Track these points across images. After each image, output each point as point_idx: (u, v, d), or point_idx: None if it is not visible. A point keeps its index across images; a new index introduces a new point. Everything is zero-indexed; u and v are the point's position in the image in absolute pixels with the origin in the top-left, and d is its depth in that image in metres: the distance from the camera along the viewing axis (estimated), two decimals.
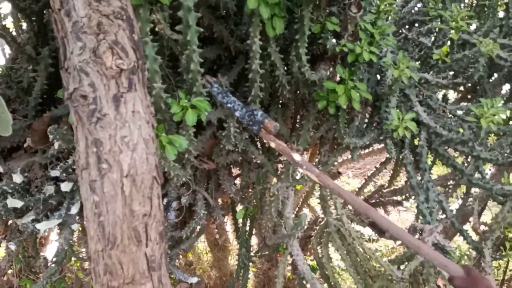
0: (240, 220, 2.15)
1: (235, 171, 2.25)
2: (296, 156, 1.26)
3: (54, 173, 1.41)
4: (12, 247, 1.87)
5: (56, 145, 1.44)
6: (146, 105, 0.71)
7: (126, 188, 0.67)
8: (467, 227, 2.13)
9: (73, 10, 0.64)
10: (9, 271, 2.75)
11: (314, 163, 2.31)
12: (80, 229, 1.86)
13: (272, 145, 1.31)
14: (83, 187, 0.69)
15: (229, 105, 1.31)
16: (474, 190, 2.21)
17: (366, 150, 2.40)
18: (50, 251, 2.82)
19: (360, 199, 1.21)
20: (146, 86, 0.72)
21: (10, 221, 2.10)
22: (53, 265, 1.88)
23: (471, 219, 2.37)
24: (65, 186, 1.48)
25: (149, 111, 0.72)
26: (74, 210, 1.51)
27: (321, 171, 1.27)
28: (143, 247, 0.70)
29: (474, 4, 2.19)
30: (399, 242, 2.49)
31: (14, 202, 1.41)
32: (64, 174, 1.43)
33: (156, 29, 1.00)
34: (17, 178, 1.46)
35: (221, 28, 1.30)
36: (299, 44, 1.25)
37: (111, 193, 0.67)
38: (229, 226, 2.80)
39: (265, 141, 1.34)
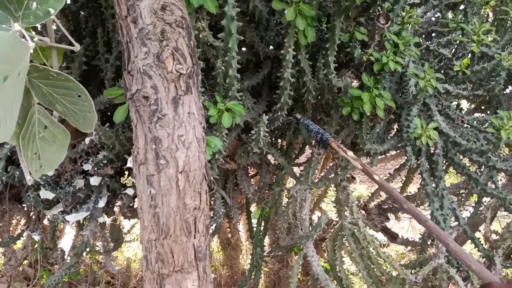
0: (254, 220, 2.21)
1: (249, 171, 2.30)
2: (376, 177, 1.34)
3: (86, 166, 1.46)
4: (36, 237, 1.92)
5: (87, 140, 1.50)
6: (199, 107, 0.77)
7: (180, 183, 0.73)
8: (478, 235, 2.18)
9: (140, 17, 0.70)
10: (25, 262, 2.82)
11: (328, 167, 2.36)
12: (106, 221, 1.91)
13: (359, 167, 1.38)
14: (140, 180, 0.74)
15: (315, 130, 1.51)
16: (485, 199, 2.25)
17: (379, 157, 2.45)
18: (64, 244, 2.88)
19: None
20: (198, 90, 0.78)
21: (32, 213, 2.17)
22: (72, 256, 1.94)
23: (481, 227, 2.41)
24: (94, 180, 1.54)
25: (201, 113, 0.78)
26: (101, 203, 1.57)
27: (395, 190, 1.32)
28: (192, 238, 0.76)
29: (491, 18, 2.24)
30: (409, 248, 2.53)
31: (46, 194, 1.47)
32: (95, 169, 1.49)
33: (200, 36, 1.06)
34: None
35: (253, 35, 1.36)
36: (329, 52, 1.31)
37: (167, 187, 0.72)
38: (240, 226, 2.85)
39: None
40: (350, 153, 1.35)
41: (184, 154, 0.73)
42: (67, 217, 1.51)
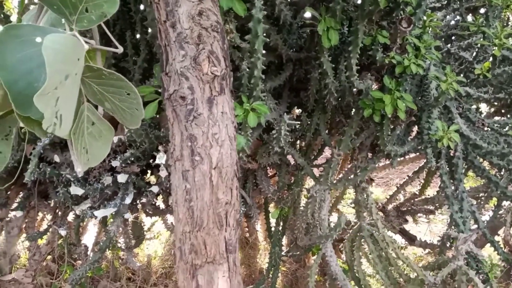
0: (273, 220, 2.24)
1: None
2: None
3: (115, 163, 1.52)
4: (62, 232, 1.99)
5: (115, 138, 1.56)
6: (231, 107, 0.81)
7: (214, 179, 0.77)
8: (497, 238, 2.17)
9: (178, 22, 0.74)
10: (48, 257, 2.90)
11: (346, 169, 2.38)
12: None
13: None
14: (176, 175, 0.79)
15: None
16: (505, 203, 2.24)
17: (398, 159, 2.46)
18: (87, 240, 2.95)
19: None
20: (231, 91, 0.82)
21: (58, 209, 2.24)
22: (96, 251, 2.00)
23: (500, 231, 2.40)
24: (121, 178, 1.59)
25: (233, 112, 0.81)
26: (128, 200, 1.62)
27: None
28: (224, 231, 0.79)
29: (511, 21, 2.24)
30: (427, 250, 2.53)
31: (76, 190, 1.53)
32: (123, 165, 1.55)
33: (228, 37, 1.10)
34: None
35: (277, 37, 1.40)
36: (351, 55, 1.34)
37: (201, 182, 0.76)
38: (258, 226, 2.89)
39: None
40: None
41: (218, 151, 0.77)
42: (95, 213, 1.56)
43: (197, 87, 0.75)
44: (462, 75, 1.74)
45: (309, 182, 2.97)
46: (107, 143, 0.66)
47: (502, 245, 1.98)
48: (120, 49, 0.68)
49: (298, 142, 2.08)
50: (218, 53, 0.77)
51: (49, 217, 2.27)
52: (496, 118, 2.25)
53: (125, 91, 0.59)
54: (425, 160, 1.92)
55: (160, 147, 1.37)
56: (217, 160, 0.77)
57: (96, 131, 0.62)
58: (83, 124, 0.60)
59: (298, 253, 2.30)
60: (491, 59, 1.66)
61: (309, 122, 1.72)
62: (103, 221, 2.08)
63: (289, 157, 1.94)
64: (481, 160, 1.76)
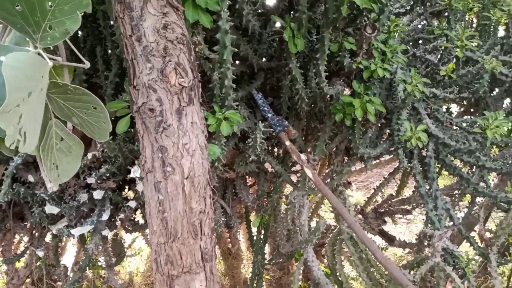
0: (254, 229, 2.25)
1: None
2: (303, 156, 1.47)
3: (90, 180, 1.50)
4: (40, 253, 1.95)
5: (89, 155, 1.55)
6: (201, 117, 0.82)
7: (186, 188, 0.78)
8: (473, 234, 2.23)
9: (144, 36, 0.76)
10: (27, 280, 2.82)
11: (324, 173, 2.42)
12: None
13: (287, 143, 1.53)
14: (148, 187, 0.79)
15: (265, 108, 1.56)
16: (479, 200, 2.31)
17: (374, 162, 2.51)
18: (66, 260, 2.90)
19: (341, 205, 1.38)
20: (202, 101, 0.84)
21: (35, 230, 2.19)
22: (76, 271, 1.97)
23: (476, 227, 2.47)
24: (98, 194, 1.58)
25: (203, 122, 0.83)
26: (105, 216, 1.61)
27: (315, 173, 1.44)
28: (199, 240, 0.80)
29: (475, 23, 2.32)
30: (407, 250, 2.57)
31: (51, 209, 1.51)
32: (98, 182, 1.53)
33: (196, 49, 1.11)
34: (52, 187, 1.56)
35: (247, 48, 1.42)
36: (319, 62, 1.37)
37: (174, 193, 0.77)
38: (240, 236, 2.88)
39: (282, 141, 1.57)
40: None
41: (189, 161, 0.78)
42: (72, 231, 1.54)
43: (166, 98, 0.76)
44: (429, 77, 1.80)
45: (288, 189, 3.00)
46: (77, 158, 0.66)
47: (478, 241, 2.03)
48: (87, 65, 0.69)
49: (275, 149, 2.11)
50: (185, 65, 0.78)
51: (26, 238, 2.22)
52: (465, 117, 2.33)
53: (91, 106, 0.60)
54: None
55: (136, 161, 1.37)
56: (189, 170, 0.78)
57: (65, 147, 0.63)
58: (52, 140, 0.60)
59: (281, 260, 2.31)
60: (455, 60, 1.72)
61: None
62: (82, 240, 2.05)
63: (267, 164, 1.96)
64: (452, 158, 1.82)
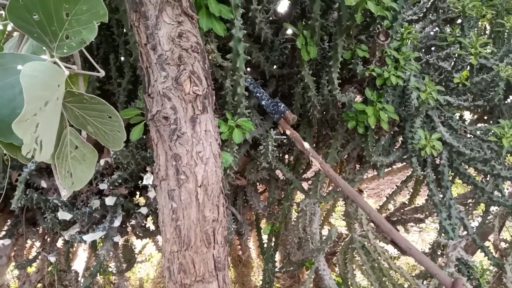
0: (265, 236, 2.23)
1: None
2: (306, 145, 1.39)
3: (102, 186, 1.51)
4: (52, 259, 1.96)
5: (102, 161, 1.56)
6: (214, 125, 0.82)
7: (200, 197, 0.77)
8: (487, 243, 2.19)
9: (159, 45, 0.76)
10: (39, 285, 2.84)
11: None
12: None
13: (288, 132, 1.45)
14: (162, 195, 0.79)
15: (258, 94, 1.47)
16: (493, 209, 2.27)
17: (385, 170, 2.48)
18: (77, 266, 2.91)
19: (357, 194, 1.33)
20: (214, 109, 0.83)
21: (47, 235, 2.21)
22: (87, 277, 1.97)
23: (490, 237, 2.42)
24: (109, 200, 1.58)
25: (217, 130, 0.83)
26: (117, 223, 1.61)
27: (323, 161, 1.40)
28: (212, 249, 0.80)
29: (489, 30, 2.30)
30: None
31: (64, 215, 1.52)
32: (110, 188, 1.54)
33: (210, 57, 1.12)
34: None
35: (259, 55, 1.42)
36: (332, 69, 1.36)
37: (188, 201, 0.77)
38: (251, 243, 2.87)
39: (281, 129, 1.49)
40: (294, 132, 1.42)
41: (203, 169, 0.77)
42: (84, 237, 1.55)
43: (180, 106, 0.76)
44: (442, 84, 1.78)
45: (300, 196, 2.98)
46: (91, 166, 0.66)
47: (492, 250, 2.00)
48: (102, 73, 0.69)
49: (286, 156, 2.10)
50: (199, 73, 0.78)
51: (38, 244, 2.24)
52: (479, 125, 2.30)
53: (106, 115, 0.60)
54: (412, 169, 1.94)
55: (147, 168, 1.37)
56: (203, 178, 0.78)
57: (79, 155, 0.63)
58: (66, 148, 0.61)
59: (291, 268, 2.29)
60: (468, 68, 1.70)
61: None
62: (93, 246, 2.06)
63: (278, 172, 1.95)
64: (466, 167, 1.79)
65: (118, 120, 0.60)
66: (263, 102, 1.46)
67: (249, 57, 1.17)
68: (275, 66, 1.64)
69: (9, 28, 0.90)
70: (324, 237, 1.89)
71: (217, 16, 1.04)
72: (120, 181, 1.53)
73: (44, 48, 0.57)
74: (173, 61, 0.76)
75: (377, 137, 1.60)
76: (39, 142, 0.49)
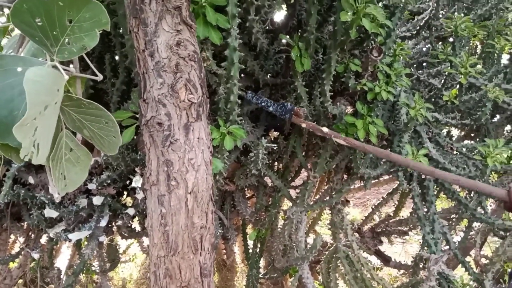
0: (250, 242, 2.25)
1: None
2: (325, 129, 1.38)
3: (91, 185, 1.51)
4: (35, 255, 1.95)
5: (92, 161, 1.55)
6: (207, 133, 0.83)
7: (189, 203, 0.79)
8: (468, 259, 2.23)
9: (157, 52, 0.77)
10: (20, 281, 2.81)
11: (323, 190, 2.42)
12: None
13: (303, 125, 1.45)
14: (151, 200, 0.80)
15: (263, 103, 1.48)
16: (475, 225, 2.31)
17: (372, 181, 2.52)
18: (60, 263, 2.88)
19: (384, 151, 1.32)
20: (207, 117, 0.85)
21: (31, 232, 2.19)
22: (70, 275, 1.96)
23: (471, 252, 2.47)
24: (97, 200, 1.58)
25: (209, 138, 0.84)
26: (103, 223, 1.61)
27: (346, 137, 1.40)
28: (198, 255, 0.81)
29: (479, 49, 2.35)
30: (402, 271, 2.57)
31: (50, 212, 1.51)
32: (99, 188, 1.54)
33: (205, 64, 1.13)
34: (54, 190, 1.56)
35: (254, 64, 1.44)
36: (325, 82, 1.39)
37: (177, 207, 0.78)
38: (236, 248, 2.88)
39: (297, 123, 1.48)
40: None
41: (194, 176, 0.79)
42: (70, 236, 1.54)
43: (174, 113, 0.78)
44: (431, 101, 1.82)
45: (287, 203, 3.00)
46: (85, 168, 0.67)
47: (473, 266, 2.03)
48: (100, 77, 0.70)
49: (275, 164, 2.12)
50: (195, 81, 0.80)
51: (21, 239, 2.22)
52: (466, 141, 2.35)
53: (103, 120, 0.61)
54: (398, 182, 1.97)
55: (137, 169, 1.38)
56: (193, 185, 0.79)
57: (74, 157, 0.64)
58: (61, 150, 0.61)
59: (275, 275, 2.30)
60: (458, 86, 1.74)
61: (285, 145, 1.76)
62: (77, 244, 2.05)
63: (267, 178, 1.96)
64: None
65: (114, 126, 0.61)
66: (271, 109, 1.48)
67: (243, 66, 1.18)
68: (269, 75, 1.66)
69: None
70: (309, 245, 1.91)
71: (214, 25, 1.05)
72: (108, 181, 1.53)
73: (44, 51, 0.58)
74: (170, 69, 0.77)
75: None
76: (37, 145, 0.50)
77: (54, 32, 0.55)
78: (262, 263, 2.60)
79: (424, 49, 2.19)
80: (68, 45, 0.56)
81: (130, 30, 0.81)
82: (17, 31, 0.74)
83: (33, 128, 0.47)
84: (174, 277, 0.79)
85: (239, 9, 1.11)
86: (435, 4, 1.83)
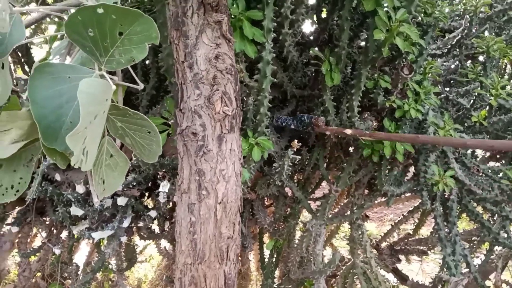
0: (266, 251, 2.25)
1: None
2: (348, 130, 1.35)
3: None
4: (57, 251, 1.99)
5: (128, 166, 1.59)
6: (239, 145, 0.85)
7: (218, 213, 0.80)
8: (488, 283, 2.18)
9: (196, 64, 0.79)
10: (38, 274, 2.87)
11: (342, 204, 2.41)
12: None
13: (327, 132, 1.44)
14: (181, 207, 0.82)
15: (283, 123, 1.51)
16: (497, 248, 2.26)
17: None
18: (78, 259, 2.93)
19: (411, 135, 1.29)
20: (239, 129, 0.86)
21: (53, 227, 2.24)
22: (89, 272, 2.00)
23: (491, 276, 2.41)
24: (121, 201, 1.61)
25: (240, 150, 0.85)
26: (125, 223, 1.64)
27: (371, 133, 1.36)
28: (224, 265, 0.82)
29: (509, 69, 2.32)
30: None
31: (76, 210, 1.55)
32: (124, 189, 1.57)
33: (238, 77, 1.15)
34: (80, 189, 1.60)
35: (283, 76, 1.45)
36: (353, 97, 1.39)
37: (206, 216, 0.79)
38: (251, 255, 2.88)
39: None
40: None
41: (224, 187, 0.80)
42: (93, 234, 1.58)
43: (209, 124, 0.79)
44: (459, 121, 1.79)
45: (304, 215, 2.99)
46: (122, 173, 0.69)
47: None
48: (141, 86, 0.73)
49: (296, 175, 2.12)
50: (230, 94, 0.81)
51: (44, 234, 2.27)
52: (491, 163, 2.30)
53: (146, 130, 0.63)
54: (419, 200, 1.95)
55: (164, 174, 1.40)
56: (223, 195, 0.80)
57: (113, 163, 0.66)
58: (103, 156, 0.64)
59: (290, 286, 2.29)
60: (487, 107, 1.72)
61: (309, 157, 1.76)
62: (97, 242, 2.08)
63: (287, 189, 1.97)
64: (474, 204, 1.80)
65: (156, 136, 0.63)
66: (293, 126, 1.49)
67: (275, 80, 1.20)
68: (297, 87, 1.67)
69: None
70: (325, 258, 1.90)
71: (250, 39, 1.07)
72: (134, 183, 1.56)
73: (93, 61, 0.60)
74: (207, 81, 0.79)
75: (390, 167, 1.61)
76: (86, 153, 0.52)
77: (105, 44, 0.57)
78: (276, 273, 2.59)
79: (453, 66, 2.17)
80: (117, 56, 0.59)
81: (170, 41, 0.83)
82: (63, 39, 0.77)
83: (83, 136, 0.50)
84: (199, 285, 0.81)
85: (274, 24, 1.12)
86: (468, 24, 1.82)
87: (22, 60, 1.81)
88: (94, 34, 0.57)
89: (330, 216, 1.88)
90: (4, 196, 0.64)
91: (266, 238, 2.40)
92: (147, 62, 1.62)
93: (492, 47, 1.66)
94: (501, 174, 1.84)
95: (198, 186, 0.79)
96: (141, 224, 1.80)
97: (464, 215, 1.98)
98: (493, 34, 2.06)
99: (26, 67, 1.79)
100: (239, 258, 0.85)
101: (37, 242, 2.92)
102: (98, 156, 0.62)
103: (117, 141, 0.70)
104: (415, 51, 1.36)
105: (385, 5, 1.19)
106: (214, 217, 0.80)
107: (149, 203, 1.90)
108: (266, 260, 2.22)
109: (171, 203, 1.76)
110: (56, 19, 1.88)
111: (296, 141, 1.96)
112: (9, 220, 2.08)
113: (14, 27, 0.57)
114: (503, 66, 2.47)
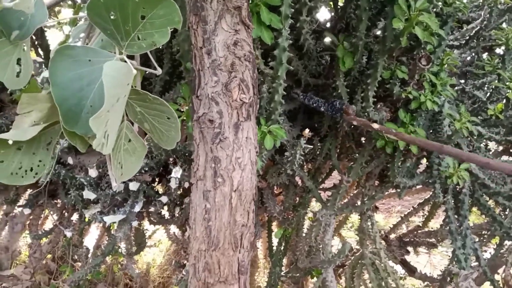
0: (274, 239, 2.25)
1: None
2: (375, 125, 1.34)
3: None
4: (68, 234, 2.02)
5: (146, 151, 1.59)
6: (255, 133, 0.84)
7: (233, 201, 0.80)
8: (497, 277, 2.17)
9: (214, 50, 0.78)
10: (48, 256, 2.92)
11: (352, 194, 2.40)
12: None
13: (354, 123, 1.42)
14: (197, 194, 0.82)
15: (314, 104, 1.48)
16: (507, 242, 2.25)
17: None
18: (88, 242, 2.97)
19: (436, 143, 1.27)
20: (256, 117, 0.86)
21: (64, 210, 2.26)
22: (99, 255, 2.02)
23: (499, 270, 2.40)
24: (133, 186, 1.62)
25: (256, 138, 0.85)
26: (137, 208, 1.65)
27: (398, 132, 1.33)
28: (238, 252, 0.82)
29: None
30: (426, 283, 2.53)
31: (88, 194, 1.56)
32: (136, 174, 1.58)
33: None
34: (93, 173, 1.61)
35: (298, 64, 1.44)
36: (369, 87, 1.37)
37: (221, 203, 0.79)
38: (259, 243, 2.89)
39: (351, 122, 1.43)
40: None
41: (239, 175, 0.80)
42: (105, 218, 1.59)
43: (226, 112, 0.79)
44: (475, 114, 1.77)
45: (313, 204, 2.98)
46: (140, 158, 0.69)
47: (501, 284, 1.98)
48: (159, 71, 0.72)
49: (306, 164, 2.11)
50: (248, 82, 0.81)
51: (55, 217, 2.30)
52: (504, 157, 2.28)
53: (166, 115, 0.63)
54: (430, 192, 1.94)
55: (175, 160, 1.40)
56: (238, 183, 0.80)
57: (131, 148, 0.66)
58: (121, 140, 0.63)
59: (297, 275, 2.30)
60: (504, 101, 1.69)
61: (321, 146, 1.75)
62: (108, 226, 2.10)
63: (297, 178, 1.96)
64: (487, 198, 1.78)
65: (175, 122, 0.63)
66: (322, 108, 1.46)
67: (291, 67, 1.18)
68: (311, 75, 1.65)
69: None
70: (333, 249, 1.91)
71: (266, 25, 1.06)
72: (146, 168, 1.57)
73: (114, 44, 0.60)
74: (225, 68, 0.78)
75: (403, 159, 1.60)
76: (107, 136, 0.52)
77: (126, 27, 0.57)
78: (284, 261, 2.60)
79: (469, 58, 2.13)
80: (138, 40, 0.58)
81: (188, 26, 0.83)
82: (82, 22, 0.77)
83: (106, 120, 0.49)
84: (213, 272, 0.81)
85: (292, 10, 1.11)
86: (488, 15, 1.78)
87: (36, 43, 1.81)
88: (116, 17, 0.57)
89: (340, 206, 1.87)
90: (23, 179, 0.64)
91: (274, 227, 2.40)
92: (160, 46, 1.61)
93: (511, 39, 1.63)
94: None
95: (213, 173, 0.79)
96: (152, 209, 1.81)
97: (474, 208, 1.96)
98: None
99: (39, 50, 1.79)
100: (253, 246, 0.85)
101: (48, 225, 2.96)
102: (117, 140, 0.62)
103: (135, 126, 0.70)
104: (434, 42, 1.34)
105: None
106: (229, 204, 0.80)
107: (159, 188, 1.92)
108: (274, 248, 2.23)
109: (181, 189, 1.77)
110: (69, 2, 1.88)
111: (307, 130, 1.96)
112: (21, 202, 2.11)
113: (37, 9, 0.57)
114: None
